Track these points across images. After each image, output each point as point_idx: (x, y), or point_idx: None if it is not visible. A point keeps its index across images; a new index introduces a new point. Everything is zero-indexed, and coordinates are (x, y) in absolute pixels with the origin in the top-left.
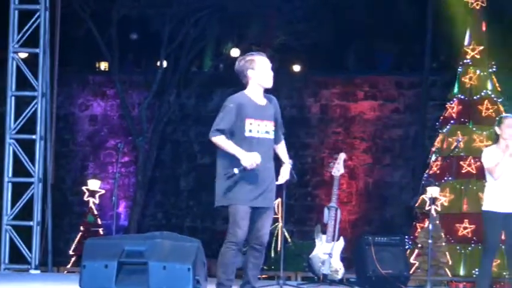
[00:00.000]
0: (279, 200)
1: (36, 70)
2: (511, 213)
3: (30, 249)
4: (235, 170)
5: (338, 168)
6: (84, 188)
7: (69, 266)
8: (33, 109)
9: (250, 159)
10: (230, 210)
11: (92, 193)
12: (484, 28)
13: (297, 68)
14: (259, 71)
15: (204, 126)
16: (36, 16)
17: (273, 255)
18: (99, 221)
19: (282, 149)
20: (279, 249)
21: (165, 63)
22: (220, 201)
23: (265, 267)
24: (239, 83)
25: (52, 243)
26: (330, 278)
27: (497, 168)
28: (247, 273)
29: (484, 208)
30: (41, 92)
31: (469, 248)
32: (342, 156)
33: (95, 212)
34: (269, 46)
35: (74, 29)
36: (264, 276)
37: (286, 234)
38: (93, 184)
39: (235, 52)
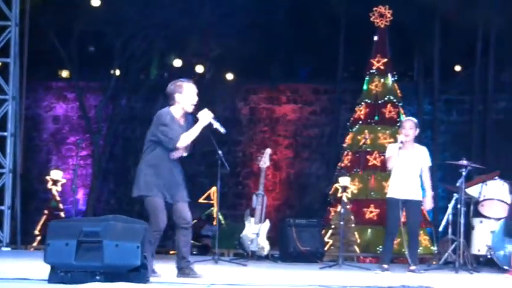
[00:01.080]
0: (215, 188)
1: (8, 77)
2: (409, 199)
3: (1, 230)
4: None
5: (264, 161)
6: (48, 177)
7: (35, 244)
8: (5, 110)
9: (205, 114)
10: (148, 201)
11: (55, 182)
12: (387, 43)
13: (230, 76)
14: (185, 96)
15: (149, 126)
16: (7, 31)
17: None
18: (61, 206)
19: None
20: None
21: (117, 72)
22: (139, 191)
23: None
24: None
25: (20, 225)
26: (258, 254)
27: (390, 160)
28: (181, 250)
29: (387, 195)
30: (11, 96)
31: (374, 229)
32: (268, 151)
33: (57, 198)
34: (206, 58)
35: (39, 42)
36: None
37: (220, 217)
38: (56, 174)
39: (177, 63)
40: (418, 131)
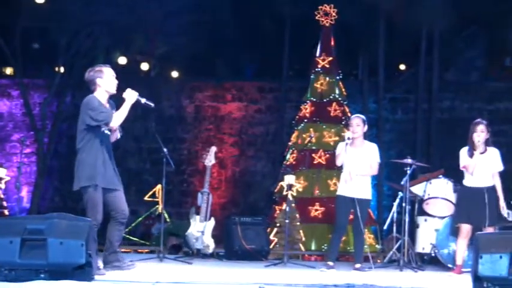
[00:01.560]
0: (160, 186)
1: None
2: (357, 198)
3: None
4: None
5: (210, 159)
6: None
7: None
8: None
9: (131, 93)
10: (90, 192)
11: None
12: (332, 42)
13: (175, 74)
14: (106, 79)
15: None
16: None
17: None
18: (5, 204)
19: None
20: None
21: (62, 69)
22: (82, 182)
23: (147, 243)
24: (124, 87)
25: None
26: (203, 252)
27: (338, 158)
28: (114, 244)
29: (337, 193)
30: None
31: (319, 227)
32: (213, 149)
33: (1, 196)
34: (152, 55)
35: None
36: (146, 251)
37: (165, 215)
38: (0, 172)
39: (122, 60)
40: (366, 127)
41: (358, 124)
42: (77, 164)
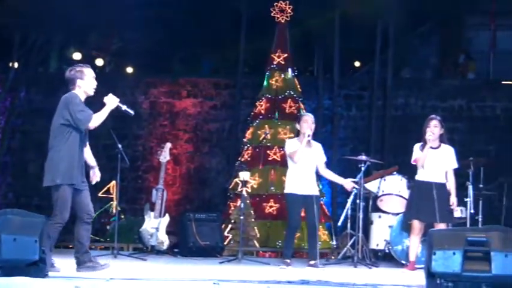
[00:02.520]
0: (114, 182)
1: None
2: (309, 195)
3: None
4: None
5: (165, 156)
6: None
7: None
8: None
9: (112, 99)
10: (63, 190)
11: None
12: (287, 38)
13: (130, 70)
14: (87, 81)
15: (49, 119)
16: None
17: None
18: None
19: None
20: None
21: (16, 65)
22: (58, 180)
23: (101, 239)
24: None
25: None
26: (157, 249)
27: (296, 153)
28: (84, 244)
29: (286, 191)
30: None
31: (274, 224)
32: (168, 145)
33: None
34: (107, 51)
35: None
36: (100, 247)
37: (114, 209)
38: None
39: (77, 56)
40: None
41: (313, 122)
42: (52, 160)
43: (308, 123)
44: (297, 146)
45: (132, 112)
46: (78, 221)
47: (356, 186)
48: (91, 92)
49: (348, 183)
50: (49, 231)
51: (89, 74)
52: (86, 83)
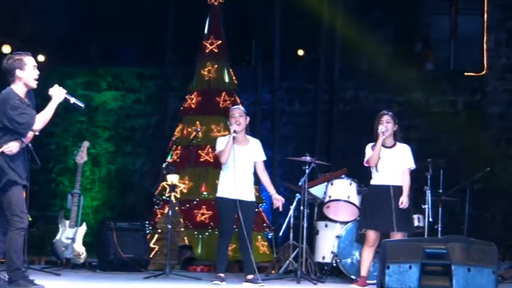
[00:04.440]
0: None
1: None
2: (242, 200)
3: None
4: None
5: (81, 156)
6: None
7: None
8: None
9: (58, 91)
10: (16, 190)
11: None
12: (222, 24)
13: (41, 58)
14: (28, 72)
15: None
16: None
17: None
18: None
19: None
20: None
21: None
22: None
23: None
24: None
25: None
26: (73, 262)
27: (223, 153)
28: (20, 256)
29: (217, 195)
30: None
31: (206, 233)
32: (86, 144)
33: None
34: (15, 37)
35: None
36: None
37: (30, 219)
38: None
39: None
40: (248, 120)
41: (241, 115)
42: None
43: (235, 117)
44: (224, 143)
45: (82, 105)
46: (9, 228)
47: (280, 207)
48: (33, 84)
49: (276, 200)
50: (17, 244)
51: (29, 63)
52: (26, 74)
